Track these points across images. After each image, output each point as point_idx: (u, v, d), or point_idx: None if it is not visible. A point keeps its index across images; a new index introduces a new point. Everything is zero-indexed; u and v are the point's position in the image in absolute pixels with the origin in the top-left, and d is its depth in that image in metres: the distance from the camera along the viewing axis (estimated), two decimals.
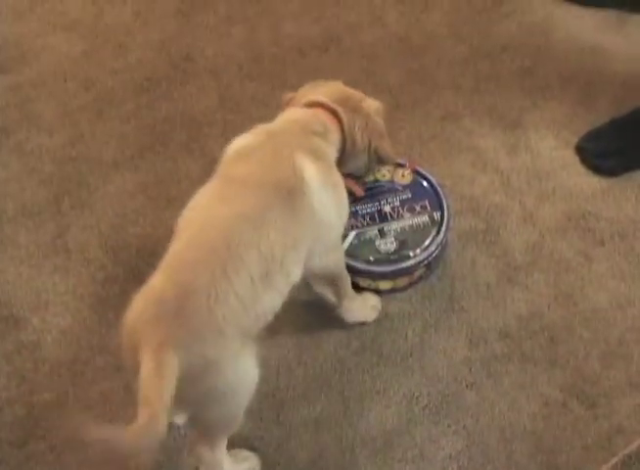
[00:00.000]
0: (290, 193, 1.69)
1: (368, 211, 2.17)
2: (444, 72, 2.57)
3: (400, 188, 2.20)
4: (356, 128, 1.93)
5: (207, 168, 2.34)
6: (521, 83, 2.53)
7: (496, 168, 2.35)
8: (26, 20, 2.80)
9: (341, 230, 1.90)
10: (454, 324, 2.11)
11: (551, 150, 2.38)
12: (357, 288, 2.13)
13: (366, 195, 2.18)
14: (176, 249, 1.65)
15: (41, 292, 2.20)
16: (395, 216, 2.15)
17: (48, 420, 2.00)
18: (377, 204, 2.18)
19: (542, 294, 2.14)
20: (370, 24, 2.70)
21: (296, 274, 1.74)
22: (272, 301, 1.69)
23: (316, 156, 1.79)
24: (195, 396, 1.65)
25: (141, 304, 1.58)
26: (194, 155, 2.41)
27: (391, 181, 2.21)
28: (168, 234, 2.23)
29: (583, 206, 2.27)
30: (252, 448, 1.94)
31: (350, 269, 2.08)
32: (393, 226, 2.14)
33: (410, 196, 2.18)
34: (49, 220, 2.32)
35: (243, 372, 1.66)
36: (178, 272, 1.60)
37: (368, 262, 2.09)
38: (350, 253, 2.09)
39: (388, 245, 2.11)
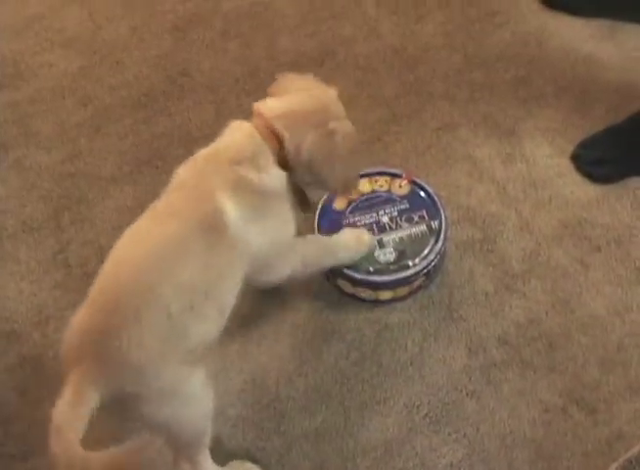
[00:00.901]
0: (212, 229, 1.67)
1: (366, 222, 2.17)
2: (439, 83, 2.58)
3: (398, 199, 2.21)
4: (306, 143, 1.77)
5: None
6: (515, 92, 2.54)
7: (492, 178, 2.36)
8: (24, 37, 2.81)
9: (283, 250, 1.87)
10: (453, 333, 2.12)
11: (546, 158, 2.39)
12: (357, 298, 2.16)
13: (364, 205, 2.20)
14: (97, 283, 1.65)
15: (42, 307, 2.21)
16: (394, 227, 2.16)
17: None
18: (375, 215, 2.19)
19: (540, 301, 2.15)
20: (365, 37, 2.71)
21: (231, 301, 1.74)
22: (206, 330, 1.69)
23: (240, 189, 1.72)
24: (136, 419, 1.70)
25: (71, 331, 1.61)
26: None
27: (389, 192, 2.22)
28: None
29: (579, 213, 2.28)
30: (254, 460, 1.94)
31: (350, 280, 2.11)
32: (392, 236, 2.15)
33: (408, 206, 2.19)
34: (49, 236, 2.33)
35: (179, 401, 1.66)
36: (97, 310, 1.60)
37: (368, 273, 2.09)
38: (350, 263, 2.10)
39: (387, 255, 2.12)
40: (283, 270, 1.92)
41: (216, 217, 1.67)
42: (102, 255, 2.25)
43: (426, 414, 2.00)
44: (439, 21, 2.74)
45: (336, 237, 2.11)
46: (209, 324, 1.69)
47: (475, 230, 2.27)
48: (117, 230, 2.29)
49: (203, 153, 1.80)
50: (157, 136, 2.53)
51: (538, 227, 2.26)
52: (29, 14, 2.88)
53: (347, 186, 1.94)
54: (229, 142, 1.80)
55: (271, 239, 1.80)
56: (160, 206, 1.74)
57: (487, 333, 2.11)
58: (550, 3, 2.74)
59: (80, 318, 1.61)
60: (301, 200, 1.90)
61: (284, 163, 1.79)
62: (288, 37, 2.73)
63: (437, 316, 2.14)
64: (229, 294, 1.73)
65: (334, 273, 2.13)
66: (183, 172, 1.78)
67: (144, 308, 1.57)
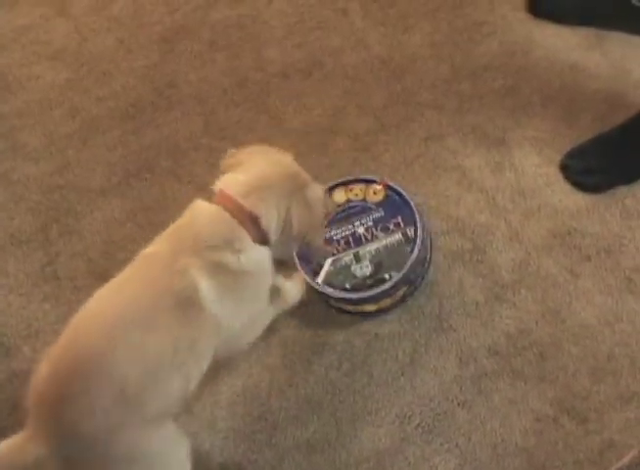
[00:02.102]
0: (186, 306, 1.65)
1: (342, 235, 2.17)
2: (427, 93, 2.58)
3: (373, 206, 2.20)
4: (293, 216, 1.76)
5: (194, 194, 2.37)
6: (503, 102, 2.54)
7: (481, 187, 2.36)
8: (11, 50, 2.81)
9: (253, 323, 1.86)
10: (444, 343, 2.12)
11: (535, 168, 2.40)
12: (343, 310, 2.15)
13: (340, 217, 2.19)
14: (62, 341, 1.63)
15: (32, 320, 2.20)
16: (370, 238, 2.15)
17: None
18: (350, 226, 2.18)
19: (530, 311, 2.15)
20: (352, 48, 2.72)
21: (199, 373, 1.72)
22: (169, 399, 1.67)
23: (216, 272, 1.68)
24: None
25: (33, 382, 1.61)
26: (180, 180, 2.42)
27: (364, 200, 2.21)
28: None
29: (568, 222, 2.29)
30: None
31: (330, 297, 2.11)
32: (368, 249, 2.14)
33: (383, 214, 2.19)
34: (38, 249, 2.33)
35: (144, 462, 1.65)
36: (58, 370, 1.59)
37: (345, 290, 2.09)
38: (327, 281, 2.10)
39: (363, 269, 2.11)
40: (248, 340, 1.89)
41: (191, 295, 1.65)
42: (90, 267, 2.28)
43: (418, 424, 2.00)
44: (426, 31, 2.74)
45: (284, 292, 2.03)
46: (174, 394, 1.67)
47: (464, 240, 2.27)
48: (106, 242, 2.31)
49: (173, 232, 1.76)
50: (145, 147, 2.52)
51: (528, 237, 2.26)
52: (16, 27, 2.88)
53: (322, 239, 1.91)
54: (200, 227, 1.74)
55: (245, 316, 1.78)
56: (132, 273, 1.72)
57: (478, 343, 2.11)
58: (536, 12, 2.74)
59: (40, 375, 1.60)
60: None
61: (263, 239, 1.75)
62: (275, 48, 2.74)
63: (428, 327, 2.14)
64: (198, 367, 1.71)
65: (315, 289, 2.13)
66: (153, 249, 1.75)
67: (105, 375, 1.56)
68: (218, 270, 1.68)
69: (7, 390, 2.10)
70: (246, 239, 1.72)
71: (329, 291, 2.09)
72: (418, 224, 2.15)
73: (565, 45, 2.67)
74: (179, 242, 1.71)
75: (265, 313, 1.91)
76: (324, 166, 2.42)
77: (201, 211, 1.77)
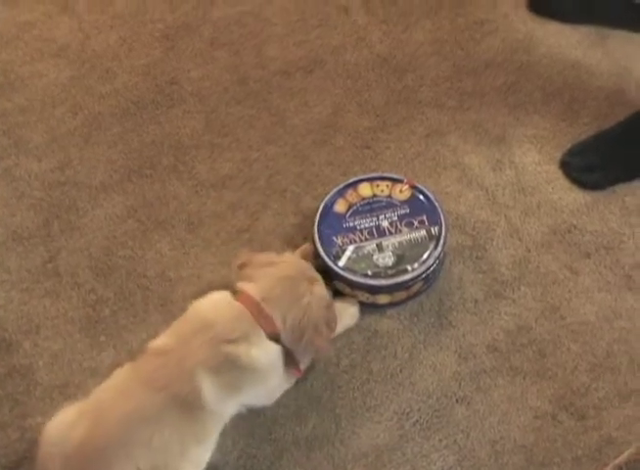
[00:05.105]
0: (188, 406, 1.74)
1: (366, 225, 2.18)
2: (428, 91, 2.59)
3: (398, 203, 2.21)
4: (289, 321, 1.86)
5: (195, 191, 2.38)
6: (504, 99, 2.55)
7: (481, 184, 2.37)
8: (14, 47, 2.81)
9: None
10: (443, 340, 2.12)
11: (535, 165, 2.40)
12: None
13: (364, 210, 2.21)
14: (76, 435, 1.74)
15: (32, 316, 2.21)
16: (393, 231, 2.17)
17: None
18: (375, 219, 2.19)
19: (529, 308, 2.15)
20: (353, 46, 2.72)
21: (209, 451, 1.85)
22: None
23: (224, 368, 1.78)
24: None
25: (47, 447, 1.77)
26: (182, 178, 2.42)
27: (389, 197, 2.23)
28: (157, 257, 2.27)
29: (568, 220, 2.29)
30: (245, 467, 1.95)
31: (348, 283, 2.11)
32: (391, 241, 2.15)
33: (408, 211, 2.20)
34: (39, 245, 2.33)
35: None
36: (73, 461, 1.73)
37: (366, 276, 2.10)
38: (348, 267, 2.11)
39: (385, 259, 2.12)
40: (271, 400, 2.00)
41: (194, 397, 1.74)
42: (92, 263, 2.29)
43: (416, 421, 2.01)
44: (428, 29, 2.74)
45: None
46: None
47: (464, 237, 2.27)
48: (107, 239, 2.32)
49: (192, 321, 1.86)
50: (146, 145, 2.52)
51: (528, 234, 2.27)
52: (19, 23, 2.87)
53: (328, 340, 1.98)
54: (216, 320, 1.83)
55: (251, 404, 1.93)
56: (145, 367, 1.81)
57: (477, 340, 2.11)
58: (538, 10, 2.75)
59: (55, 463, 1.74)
60: (289, 360, 1.92)
61: (275, 337, 1.85)
62: (277, 46, 2.74)
63: (427, 323, 2.15)
64: (206, 453, 1.85)
65: (331, 275, 2.13)
66: (163, 342, 1.84)
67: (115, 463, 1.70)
68: (227, 366, 1.78)
69: (8, 385, 2.10)
70: (262, 335, 1.83)
71: (350, 276, 2.10)
72: (443, 224, 2.16)
73: (566, 43, 2.68)
74: (195, 334, 1.80)
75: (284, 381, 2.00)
76: (325, 164, 2.43)
77: (225, 307, 1.87)
